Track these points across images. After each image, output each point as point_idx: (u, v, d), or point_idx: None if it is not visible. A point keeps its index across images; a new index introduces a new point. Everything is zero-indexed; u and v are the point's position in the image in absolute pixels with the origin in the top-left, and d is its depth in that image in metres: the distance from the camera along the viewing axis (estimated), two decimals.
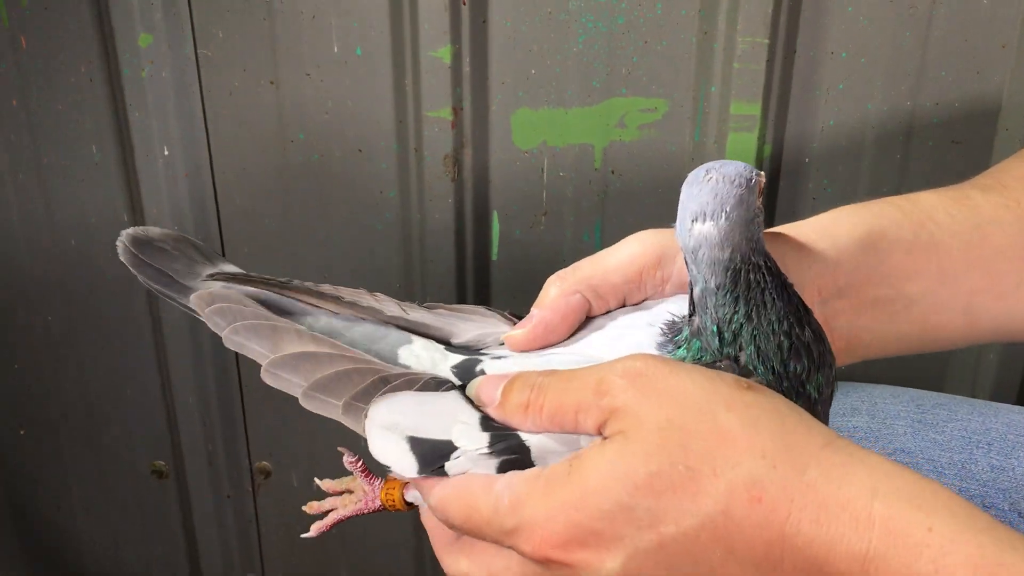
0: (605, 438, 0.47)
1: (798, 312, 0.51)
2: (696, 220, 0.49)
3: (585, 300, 0.57)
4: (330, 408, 0.53)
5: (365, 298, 0.59)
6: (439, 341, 0.58)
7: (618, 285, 0.57)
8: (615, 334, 0.55)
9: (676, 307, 0.56)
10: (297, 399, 0.54)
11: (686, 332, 0.52)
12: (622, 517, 0.45)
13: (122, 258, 0.57)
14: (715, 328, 0.50)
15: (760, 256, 0.50)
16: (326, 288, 0.59)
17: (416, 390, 0.52)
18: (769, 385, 0.50)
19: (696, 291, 0.51)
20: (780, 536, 0.43)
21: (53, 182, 0.97)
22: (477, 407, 0.51)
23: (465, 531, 0.50)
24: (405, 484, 0.57)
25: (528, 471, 0.48)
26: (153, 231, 0.59)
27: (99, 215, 0.98)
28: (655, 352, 0.53)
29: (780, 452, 0.44)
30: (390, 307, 0.59)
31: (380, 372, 0.53)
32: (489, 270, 0.98)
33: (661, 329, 0.54)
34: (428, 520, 0.55)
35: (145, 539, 1.16)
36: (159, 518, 1.15)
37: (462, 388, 0.53)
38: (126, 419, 1.10)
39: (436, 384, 0.53)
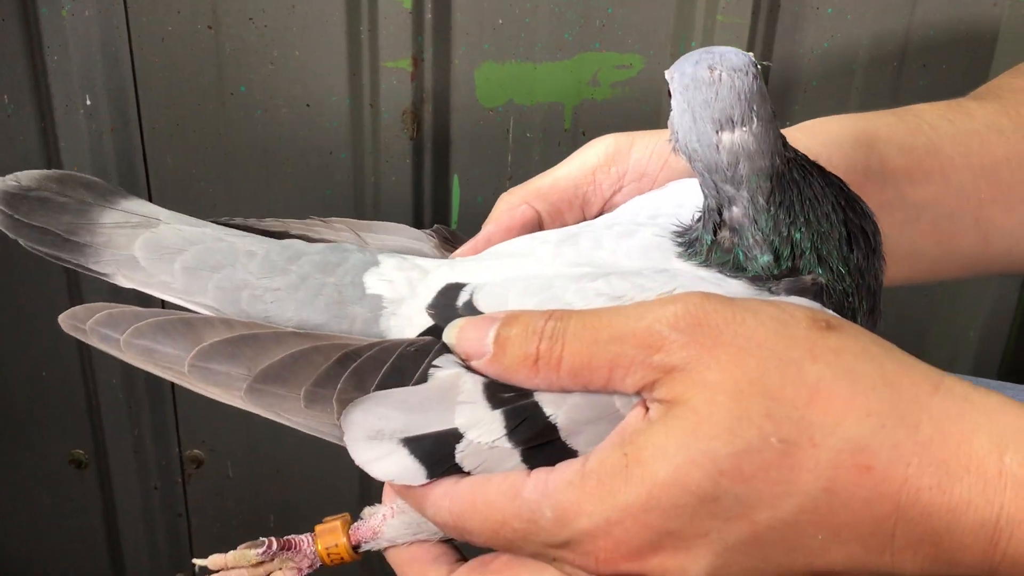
0: (656, 402, 0.39)
1: (844, 193, 0.44)
2: (723, 129, 0.42)
3: (533, 211, 0.53)
4: (287, 403, 0.43)
5: (316, 228, 0.52)
6: None
7: (568, 191, 0.53)
8: (621, 230, 0.48)
9: (672, 204, 0.49)
10: (233, 402, 0.44)
11: (707, 238, 0.45)
12: (705, 510, 0.37)
13: None
14: (772, 249, 0.43)
15: (788, 148, 0.44)
16: (271, 223, 0.53)
17: (390, 367, 0.42)
18: (831, 287, 0.43)
19: (736, 212, 0.44)
20: (894, 508, 0.37)
21: None
22: (471, 366, 0.42)
23: (495, 547, 0.42)
24: (349, 525, 0.47)
25: (567, 469, 0.40)
26: (27, 177, 0.48)
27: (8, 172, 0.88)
28: (677, 257, 0.46)
29: (886, 407, 0.37)
30: (345, 235, 0.52)
31: (345, 345, 0.43)
32: None
33: (671, 232, 0.47)
34: (399, 555, 0.46)
35: (62, 535, 1.06)
36: (78, 512, 1.05)
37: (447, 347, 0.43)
38: (41, 403, 1.00)
39: (415, 354, 0.43)
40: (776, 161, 0.43)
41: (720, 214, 0.44)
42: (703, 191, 0.45)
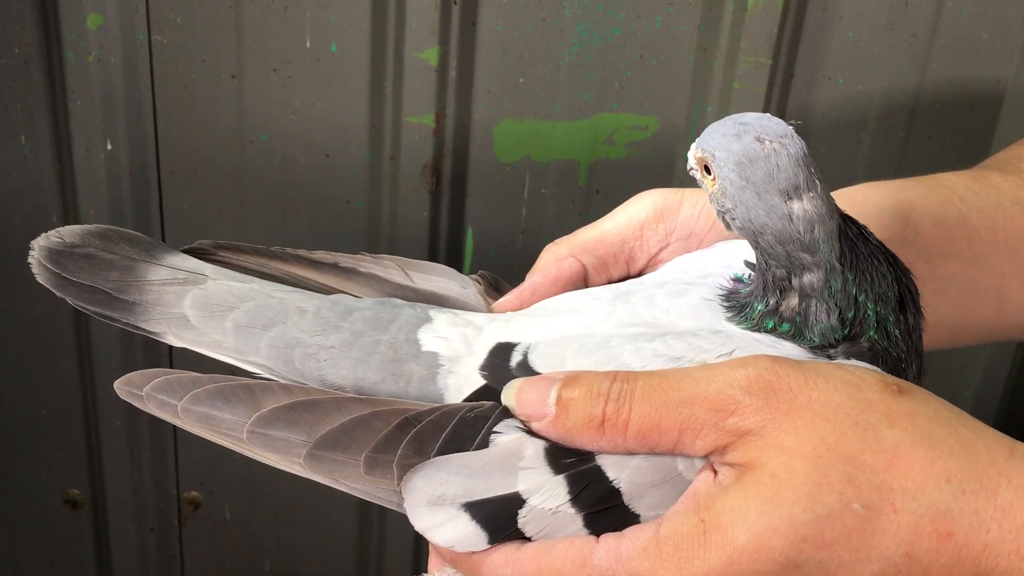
0: (727, 465, 0.39)
1: (888, 251, 0.45)
2: (792, 199, 0.42)
3: (579, 264, 0.53)
4: (346, 470, 0.42)
5: (366, 263, 0.52)
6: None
7: (615, 245, 0.53)
8: (673, 289, 0.48)
9: (719, 264, 0.50)
10: (292, 469, 0.43)
11: (759, 307, 0.45)
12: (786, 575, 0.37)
13: (40, 280, 0.46)
14: (839, 313, 0.43)
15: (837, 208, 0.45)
16: (320, 255, 0.52)
17: (450, 432, 0.42)
18: (887, 353, 0.43)
19: (809, 278, 0.43)
20: (974, 574, 0.37)
21: None
22: (530, 429, 0.41)
23: None
24: None
25: (640, 535, 0.40)
26: (70, 233, 0.47)
27: (24, 215, 0.87)
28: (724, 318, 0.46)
29: (965, 472, 0.38)
30: (394, 273, 0.52)
31: (405, 411, 0.43)
32: None
33: (719, 295, 0.47)
34: None
35: (53, 575, 1.05)
36: (70, 552, 1.04)
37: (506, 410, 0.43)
38: (39, 441, 0.98)
39: (476, 419, 0.43)
40: (839, 220, 0.43)
41: (790, 281, 0.44)
42: (765, 262, 0.45)
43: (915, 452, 0.38)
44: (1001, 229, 0.59)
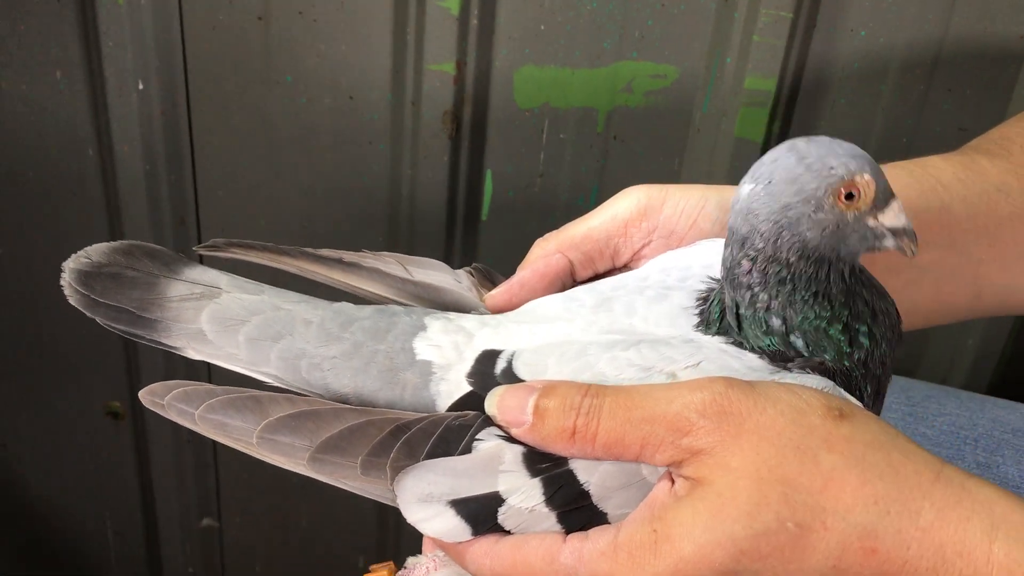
0: (682, 477, 0.43)
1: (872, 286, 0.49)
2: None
3: (566, 260, 0.55)
4: (345, 471, 0.46)
5: (368, 259, 0.55)
6: (454, 310, 0.54)
7: (601, 241, 0.55)
8: (652, 295, 0.51)
9: (700, 265, 0.52)
10: (294, 472, 0.47)
11: (716, 311, 0.49)
12: None
13: (72, 301, 0.50)
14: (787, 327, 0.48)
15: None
16: (326, 252, 0.55)
17: (437, 438, 0.46)
18: (841, 370, 0.47)
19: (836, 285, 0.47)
20: None
21: (12, 108, 0.89)
22: (510, 436, 0.46)
23: None
24: (395, 574, 0.52)
25: (601, 539, 0.44)
26: (96, 252, 0.50)
27: (61, 147, 0.91)
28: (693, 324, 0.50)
29: (892, 495, 0.41)
30: (393, 268, 0.55)
31: (397, 419, 0.47)
32: (477, 231, 0.95)
33: (696, 297, 0.51)
34: None
35: (98, 482, 1.12)
36: (113, 461, 1.11)
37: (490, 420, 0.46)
38: (81, 355, 1.04)
39: (459, 427, 0.47)
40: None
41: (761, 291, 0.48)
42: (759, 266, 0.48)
43: (848, 475, 0.41)
44: (983, 216, 0.60)
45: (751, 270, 0.47)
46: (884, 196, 0.47)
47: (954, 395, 0.84)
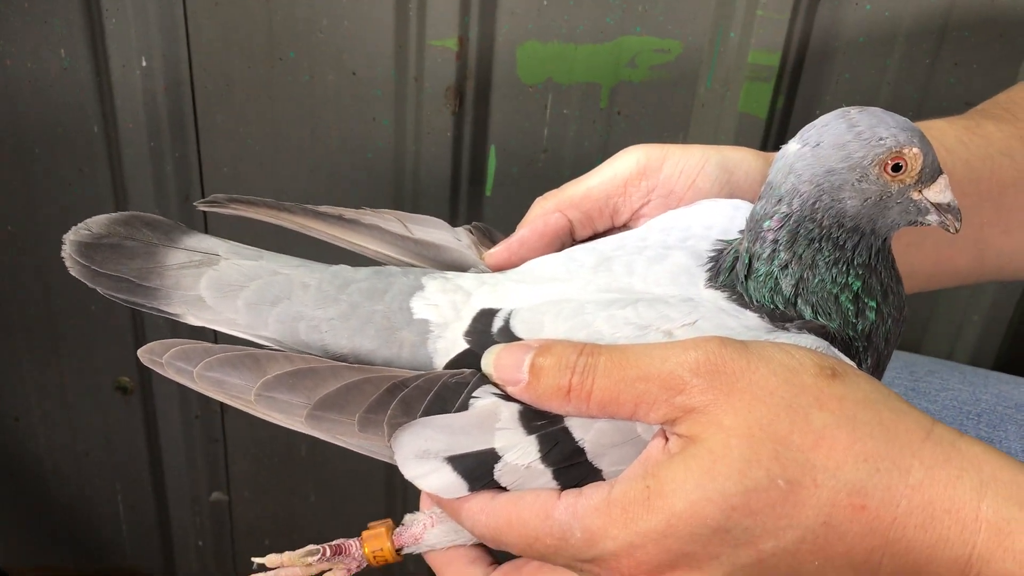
0: (676, 435, 0.43)
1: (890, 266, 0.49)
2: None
3: (565, 219, 0.55)
4: (342, 428, 0.46)
5: (367, 216, 0.55)
6: (453, 268, 0.54)
7: (600, 200, 0.55)
8: (652, 255, 0.51)
9: (701, 226, 0.52)
10: (294, 426, 0.47)
11: (729, 259, 0.49)
12: (717, 539, 0.42)
13: (73, 272, 0.49)
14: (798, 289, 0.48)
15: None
16: (326, 209, 0.55)
17: (434, 396, 0.46)
18: (841, 334, 0.47)
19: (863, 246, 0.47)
20: (883, 542, 0.41)
21: (18, 87, 0.89)
22: (506, 394, 0.45)
23: (529, 556, 0.47)
24: (392, 531, 0.51)
25: (595, 495, 0.44)
26: (96, 224, 0.50)
27: (67, 124, 0.91)
28: (701, 279, 0.50)
29: (882, 453, 0.41)
30: (393, 225, 0.55)
31: (393, 377, 0.47)
32: (482, 206, 0.95)
33: (706, 258, 0.51)
34: (439, 558, 0.51)
35: (109, 456, 1.13)
36: (123, 435, 1.12)
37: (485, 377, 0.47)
38: (90, 330, 1.05)
39: (456, 385, 0.47)
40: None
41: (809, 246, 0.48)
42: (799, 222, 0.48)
43: (838, 433, 0.42)
44: (986, 180, 0.59)
45: (781, 226, 0.47)
46: (931, 171, 0.47)
47: (958, 370, 0.84)
